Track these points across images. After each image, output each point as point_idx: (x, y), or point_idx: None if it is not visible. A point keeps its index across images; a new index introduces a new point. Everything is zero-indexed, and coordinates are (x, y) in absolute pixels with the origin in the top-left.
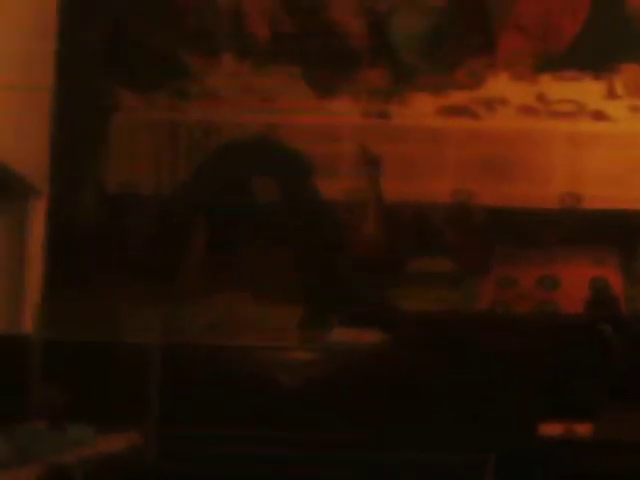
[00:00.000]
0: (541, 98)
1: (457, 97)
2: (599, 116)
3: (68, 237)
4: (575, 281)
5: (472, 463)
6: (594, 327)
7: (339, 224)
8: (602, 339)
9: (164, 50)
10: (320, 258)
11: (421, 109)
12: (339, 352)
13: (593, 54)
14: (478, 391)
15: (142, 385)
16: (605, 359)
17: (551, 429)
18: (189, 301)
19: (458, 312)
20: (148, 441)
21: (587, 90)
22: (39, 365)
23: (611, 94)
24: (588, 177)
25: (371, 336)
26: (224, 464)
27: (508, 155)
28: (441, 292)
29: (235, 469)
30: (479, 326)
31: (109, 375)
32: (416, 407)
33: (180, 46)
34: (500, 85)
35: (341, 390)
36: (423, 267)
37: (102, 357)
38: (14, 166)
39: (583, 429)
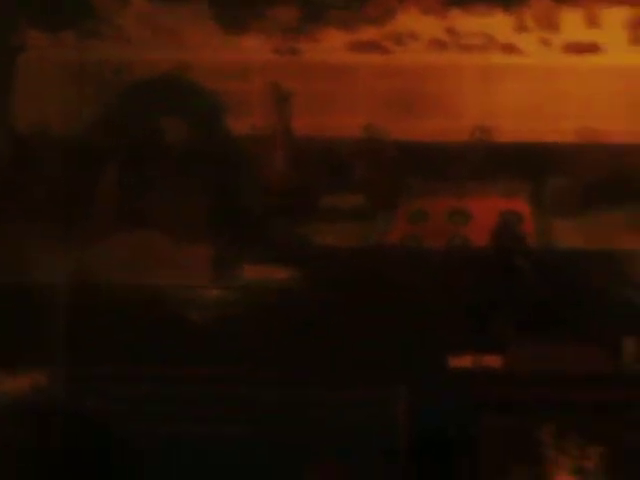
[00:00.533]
0: (451, 32)
1: (367, 32)
2: (509, 49)
3: None
4: (486, 214)
5: (383, 397)
6: (504, 260)
7: (250, 161)
8: (512, 272)
9: None
10: (231, 196)
11: (331, 45)
12: (251, 289)
13: None
14: (389, 325)
15: (50, 325)
16: (515, 292)
17: (461, 361)
18: (100, 241)
19: (369, 247)
20: (54, 381)
21: (497, 23)
22: None
23: (521, 27)
24: (498, 110)
25: (282, 273)
26: (135, 402)
27: (419, 89)
28: (352, 227)
29: (146, 407)
30: (390, 261)
31: (17, 317)
32: (328, 343)
33: None
34: (410, 19)
35: (252, 327)
36: (334, 203)
37: (11, 298)
38: None
39: (493, 361)
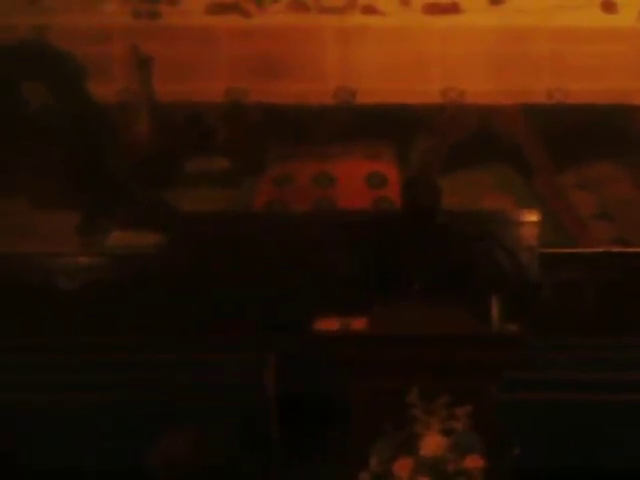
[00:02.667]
0: None
1: None
2: (369, 10)
3: None
4: (351, 177)
5: (252, 362)
6: (372, 222)
7: (112, 126)
8: (379, 234)
9: None
10: (95, 161)
11: (191, 8)
12: (117, 255)
13: None
14: (256, 290)
15: None
16: (380, 254)
17: (328, 324)
18: None
19: (235, 211)
20: None
21: None
22: None
23: None
24: (361, 72)
25: (149, 238)
26: (3, 371)
27: (280, 52)
28: (218, 192)
29: (16, 376)
30: (256, 225)
31: None
32: (196, 307)
33: None
34: None
35: (121, 293)
36: (199, 167)
37: None
38: None
39: (359, 323)
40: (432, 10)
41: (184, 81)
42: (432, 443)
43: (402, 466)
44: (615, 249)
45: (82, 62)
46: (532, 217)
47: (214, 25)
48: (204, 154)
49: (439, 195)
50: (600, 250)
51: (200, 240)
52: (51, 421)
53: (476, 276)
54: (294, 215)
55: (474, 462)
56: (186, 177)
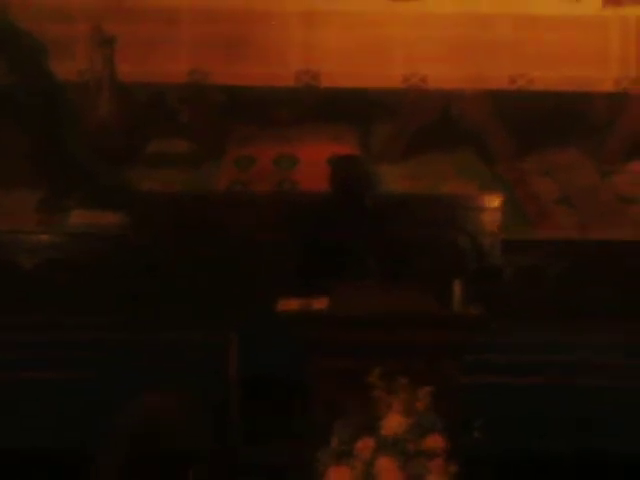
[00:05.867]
0: None
1: None
2: None
3: None
4: (313, 159)
5: (214, 343)
6: (337, 203)
7: (74, 106)
8: (344, 216)
9: None
10: (56, 141)
11: None
12: (78, 234)
13: None
14: (218, 270)
15: None
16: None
17: (289, 305)
18: None
19: (196, 192)
20: None
21: None
22: None
23: None
24: (325, 56)
25: (109, 218)
26: None
27: (243, 34)
28: (179, 174)
29: None
30: (218, 206)
31: None
32: (157, 288)
33: None
34: None
35: (82, 272)
36: (160, 149)
37: None
38: None
39: (320, 304)
40: None
41: (147, 62)
42: (393, 423)
43: (364, 446)
44: (575, 236)
45: (43, 40)
46: (494, 202)
47: (177, 6)
48: (165, 135)
49: (366, 176)
50: (561, 237)
51: (160, 220)
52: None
53: (428, 260)
54: (253, 196)
55: (435, 442)
56: (148, 158)
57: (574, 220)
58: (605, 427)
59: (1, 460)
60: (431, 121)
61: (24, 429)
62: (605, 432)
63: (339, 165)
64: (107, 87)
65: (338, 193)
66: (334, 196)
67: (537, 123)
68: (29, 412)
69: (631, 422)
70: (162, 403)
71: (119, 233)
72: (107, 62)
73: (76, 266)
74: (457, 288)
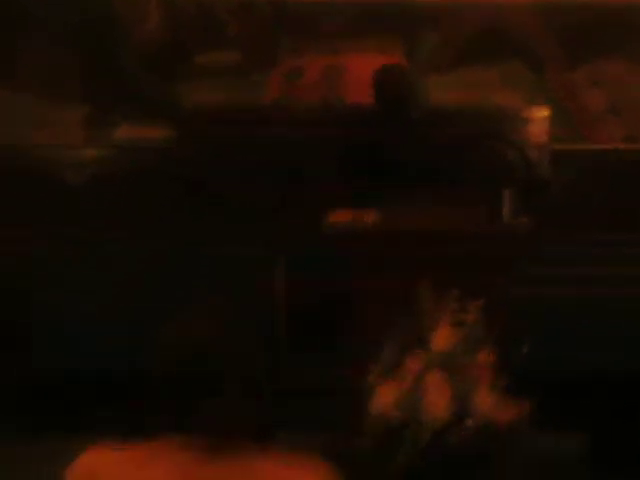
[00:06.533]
0: None
1: None
2: None
3: None
4: (362, 70)
5: (261, 260)
6: (382, 119)
7: (122, 18)
8: (391, 127)
9: None
10: (103, 55)
11: None
12: (127, 149)
13: None
14: (267, 185)
15: None
16: (398, 147)
17: (340, 217)
18: None
19: (246, 105)
20: None
21: None
22: None
23: None
24: None
25: (159, 132)
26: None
27: None
28: (229, 85)
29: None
30: (267, 119)
31: None
32: (206, 204)
33: None
34: None
35: (129, 188)
36: (210, 60)
37: None
38: None
39: (370, 217)
40: None
41: None
42: (443, 336)
43: (412, 360)
44: (624, 146)
45: None
46: (543, 113)
47: None
48: (214, 47)
49: (410, 85)
50: (609, 147)
51: (210, 135)
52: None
53: (476, 173)
54: (304, 108)
55: (485, 356)
56: (196, 70)
57: (622, 131)
58: None
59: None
60: (478, 31)
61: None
62: None
63: (383, 75)
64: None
65: (383, 104)
66: (379, 107)
67: (586, 33)
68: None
69: None
70: (209, 320)
71: (166, 147)
72: None
73: (123, 181)
74: (506, 200)
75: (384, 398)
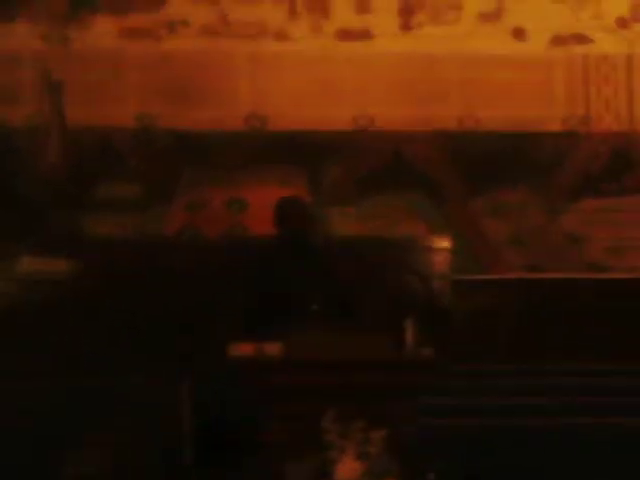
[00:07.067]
0: (223, 19)
1: (138, 19)
2: (281, 36)
3: None
4: (263, 203)
5: (167, 389)
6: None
7: (24, 151)
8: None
9: None
10: (5, 186)
11: (102, 32)
12: (28, 282)
13: None
14: (171, 315)
15: None
16: (299, 279)
17: (242, 350)
18: None
19: (145, 237)
20: None
21: (269, 10)
22: None
23: (292, 14)
24: (273, 98)
25: (59, 265)
26: None
27: (192, 77)
28: (129, 218)
29: None
30: (168, 251)
31: None
32: (107, 334)
33: None
34: (181, 6)
35: (31, 320)
36: (109, 193)
37: None
38: None
39: (274, 349)
40: (344, 36)
41: (96, 106)
42: (347, 468)
43: None
44: (527, 275)
45: None
46: (444, 244)
47: (125, 49)
48: (114, 179)
49: (309, 216)
50: (512, 277)
51: (111, 266)
52: None
53: (379, 302)
54: (204, 242)
55: None
56: (96, 203)
57: (524, 260)
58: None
59: None
60: (380, 162)
61: None
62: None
63: (280, 207)
64: (56, 132)
65: (283, 235)
66: (281, 239)
67: (486, 163)
68: None
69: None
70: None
71: (68, 279)
72: (56, 107)
73: (25, 313)
74: (409, 330)
75: None
